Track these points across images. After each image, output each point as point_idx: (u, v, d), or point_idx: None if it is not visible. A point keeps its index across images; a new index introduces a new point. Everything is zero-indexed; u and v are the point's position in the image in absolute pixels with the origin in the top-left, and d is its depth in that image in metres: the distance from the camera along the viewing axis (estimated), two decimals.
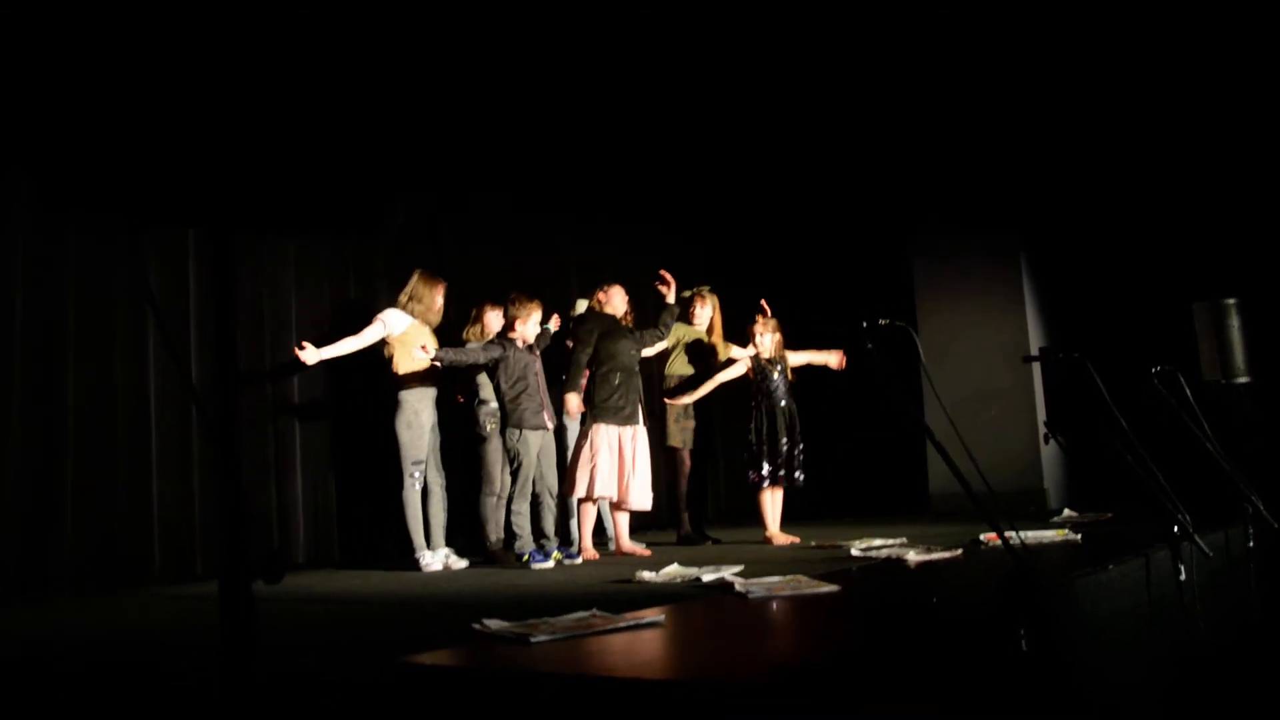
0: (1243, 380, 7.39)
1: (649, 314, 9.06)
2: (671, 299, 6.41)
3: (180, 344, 5.80)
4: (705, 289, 7.12)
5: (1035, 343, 9.78)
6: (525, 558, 5.68)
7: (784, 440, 6.48)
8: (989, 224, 9.92)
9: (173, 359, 5.55)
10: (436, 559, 5.76)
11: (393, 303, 6.09)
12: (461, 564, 5.83)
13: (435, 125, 7.18)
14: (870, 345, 3.24)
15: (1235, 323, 7.45)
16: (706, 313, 7.04)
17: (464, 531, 6.24)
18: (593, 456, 5.97)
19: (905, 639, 2.75)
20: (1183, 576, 4.26)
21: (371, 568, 5.98)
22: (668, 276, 6.40)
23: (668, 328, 6.39)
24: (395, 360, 5.94)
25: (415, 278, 6.11)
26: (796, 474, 6.52)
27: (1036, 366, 9.43)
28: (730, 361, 6.74)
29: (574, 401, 6.17)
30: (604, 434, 5.99)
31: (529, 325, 6.09)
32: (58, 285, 5.34)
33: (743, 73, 7.92)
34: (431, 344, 5.93)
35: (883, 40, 7.56)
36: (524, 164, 7.91)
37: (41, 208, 5.18)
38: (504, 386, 5.92)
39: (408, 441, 5.81)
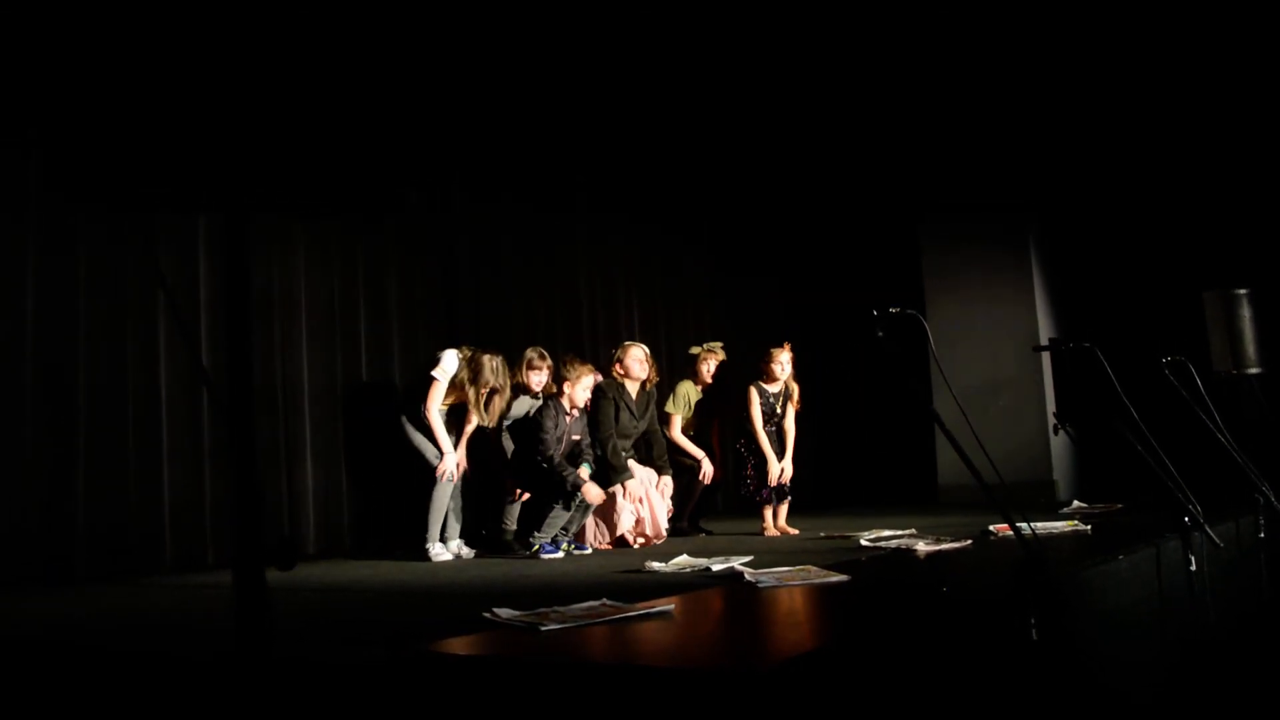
0: (1254, 371, 7.39)
1: (661, 313, 9.11)
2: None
3: (191, 329, 5.81)
4: (718, 346, 7.03)
5: (1045, 332, 9.76)
6: (535, 548, 5.69)
7: (782, 464, 6.58)
8: (998, 212, 9.90)
9: (183, 341, 5.54)
10: (447, 549, 5.80)
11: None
12: (470, 553, 5.86)
13: (447, 118, 7.19)
14: (881, 333, 3.24)
15: (1247, 313, 7.44)
16: (709, 368, 6.95)
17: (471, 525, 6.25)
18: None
19: (916, 628, 2.75)
20: (1193, 567, 4.26)
21: (381, 558, 6.00)
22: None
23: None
24: (431, 395, 5.84)
25: (486, 359, 5.88)
26: (787, 486, 6.63)
27: (1046, 356, 9.42)
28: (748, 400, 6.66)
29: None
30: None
31: (579, 389, 5.91)
32: (69, 273, 5.35)
33: (749, 59, 7.90)
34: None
35: (891, 24, 7.53)
36: (533, 155, 7.91)
37: (53, 193, 5.18)
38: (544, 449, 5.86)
39: (426, 442, 5.84)
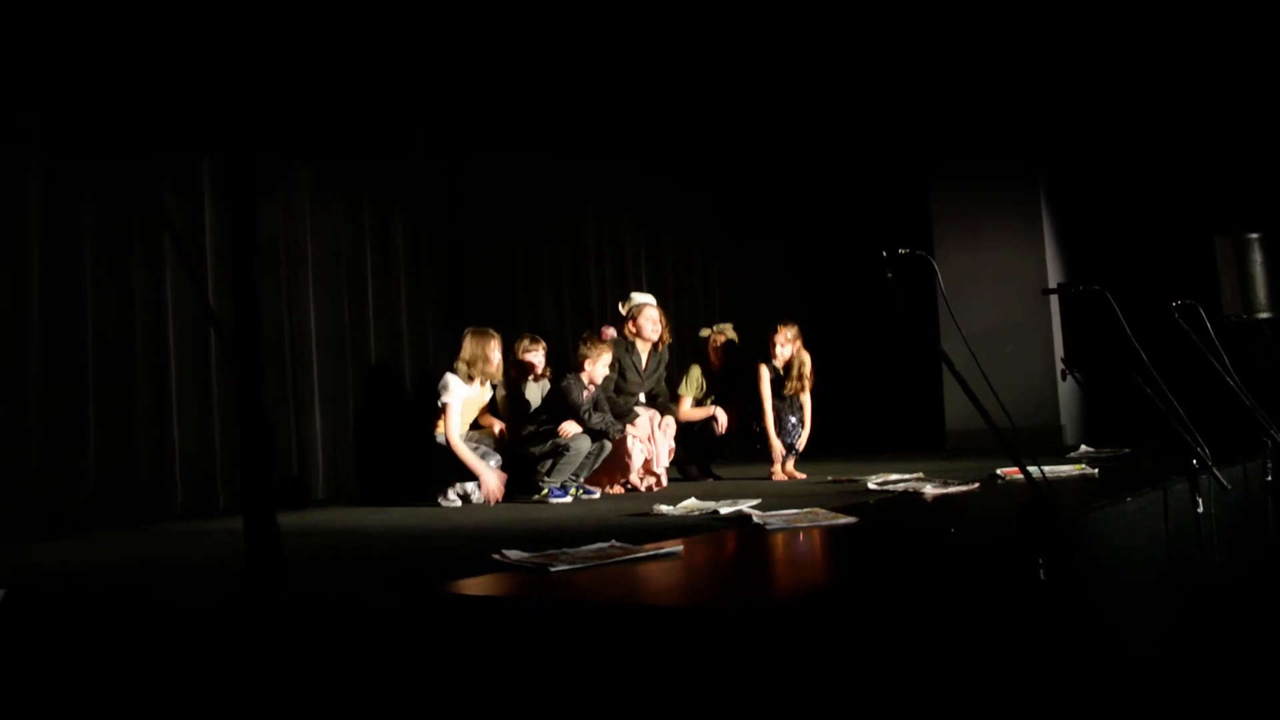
0: (1264, 315, 7.36)
1: (668, 263, 9.07)
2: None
3: (198, 271, 5.81)
4: (728, 327, 7.06)
5: (1054, 278, 9.71)
6: (544, 492, 5.72)
7: (788, 431, 6.70)
8: (1008, 157, 9.81)
9: (189, 280, 5.52)
10: (453, 496, 5.82)
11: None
12: (480, 496, 5.89)
13: (455, 62, 7.11)
14: (890, 275, 3.22)
15: (1258, 257, 7.41)
16: (720, 349, 7.00)
17: None
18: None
19: (923, 569, 2.76)
20: (1201, 509, 4.26)
21: (390, 503, 6.03)
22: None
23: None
24: (447, 422, 5.73)
25: (467, 339, 5.87)
26: (795, 445, 6.73)
27: (1054, 302, 9.39)
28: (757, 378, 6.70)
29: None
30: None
31: (598, 367, 5.93)
32: (74, 222, 5.34)
33: (757, 6, 7.79)
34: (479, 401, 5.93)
35: None
36: (541, 102, 7.83)
37: (55, 139, 5.14)
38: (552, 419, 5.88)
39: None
